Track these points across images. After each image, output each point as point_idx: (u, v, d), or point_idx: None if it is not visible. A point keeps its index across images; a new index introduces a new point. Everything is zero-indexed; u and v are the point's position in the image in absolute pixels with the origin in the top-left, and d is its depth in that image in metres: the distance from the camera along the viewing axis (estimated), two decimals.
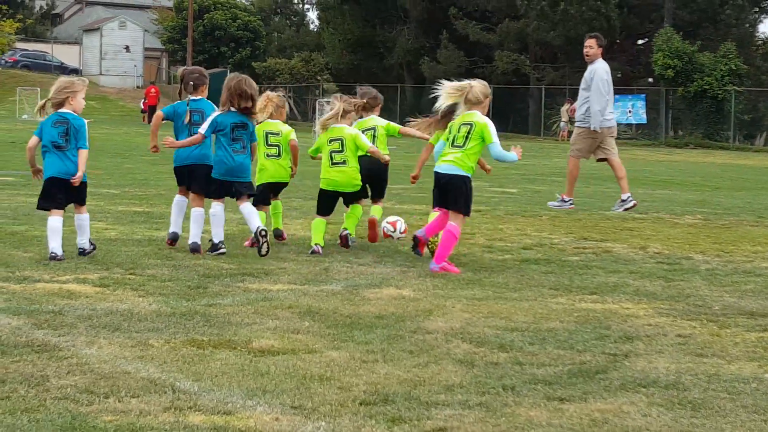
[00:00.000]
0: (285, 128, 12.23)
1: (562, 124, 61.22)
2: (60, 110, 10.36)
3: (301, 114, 73.64)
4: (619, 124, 66.62)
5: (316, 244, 11.23)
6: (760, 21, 74.41)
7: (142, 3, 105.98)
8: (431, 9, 72.43)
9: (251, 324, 7.41)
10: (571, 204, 17.06)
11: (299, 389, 5.74)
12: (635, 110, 60.56)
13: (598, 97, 16.68)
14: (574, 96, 66.07)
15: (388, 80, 71.00)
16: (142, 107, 66.54)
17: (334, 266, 10.26)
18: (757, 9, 70.23)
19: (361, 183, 11.74)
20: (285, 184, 12.17)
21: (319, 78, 76.51)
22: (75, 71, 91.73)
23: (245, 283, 9.13)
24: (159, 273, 9.46)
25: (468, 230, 13.54)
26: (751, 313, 8.40)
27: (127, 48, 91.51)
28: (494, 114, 60.34)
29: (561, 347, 6.98)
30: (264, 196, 11.88)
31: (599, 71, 16.75)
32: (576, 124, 17.33)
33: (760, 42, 71.98)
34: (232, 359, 6.36)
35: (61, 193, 10.30)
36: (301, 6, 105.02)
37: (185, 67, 13.38)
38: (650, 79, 68.17)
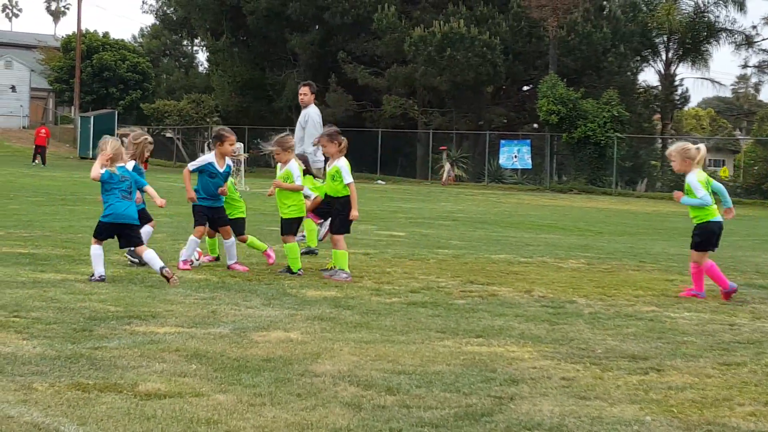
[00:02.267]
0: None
1: (446, 168, 62.00)
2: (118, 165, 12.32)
3: (190, 155, 73.14)
4: (504, 169, 67.73)
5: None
6: (641, 69, 76.32)
7: (28, 42, 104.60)
8: (320, 53, 72.78)
9: (137, 367, 7.34)
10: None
11: None
12: (521, 155, 61.50)
13: (314, 135, 17.48)
14: (460, 141, 66.46)
15: (277, 123, 71.02)
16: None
17: (221, 309, 10.21)
18: (638, 58, 72.03)
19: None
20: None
21: (208, 120, 76.19)
22: None
23: (132, 326, 9.04)
24: (44, 315, 9.31)
25: (356, 273, 13.60)
26: (633, 356, 8.57)
27: (12, 88, 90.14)
28: (382, 158, 60.93)
29: (447, 390, 7.04)
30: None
31: (312, 115, 18.06)
32: None
33: (641, 90, 73.77)
34: (118, 403, 6.29)
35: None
36: (190, 48, 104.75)
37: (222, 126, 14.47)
38: (535, 125, 69.37)
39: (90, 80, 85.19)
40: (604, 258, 17.72)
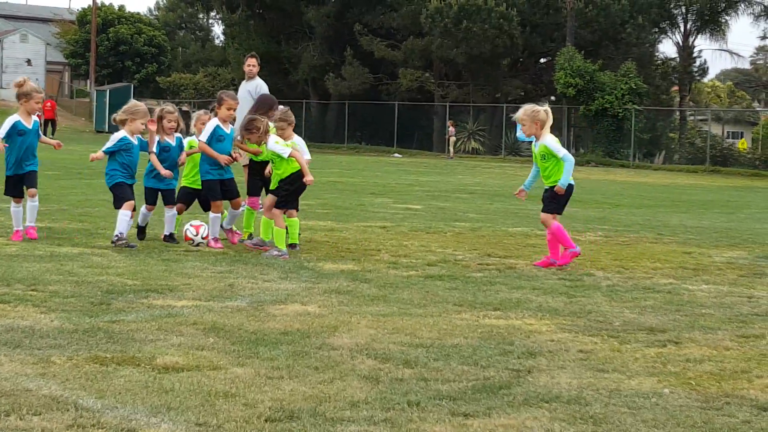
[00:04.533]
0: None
1: (451, 147, 62.23)
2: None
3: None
4: (521, 142, 67.86)
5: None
6: (659, 41, 75.87)
7: (43, 16, 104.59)
8: (336, 26, 72.55)
9: (155, 340, 7.35)
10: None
11: (204, 406, 5.71)
12: None
13: None
14: (476, 114, 66.29)
15: (293, 96, 70.98)
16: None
17: (239, 282, 10.22)
18: (656, 29, 71.57)
19: None
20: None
21: None
22: None
23: (149, 299, 9.06)
24: (61, 289, 9.34)
25: (373, 246, 13.59)
26: (651, 328, 8.55)
27: (28, 62, 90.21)
28: (398, 131, 60.95)
29: (465, 363, 7.03)
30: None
31: (263, 86, 18.27)
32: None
33: (659, 62, 73.35)
34: (136, 376, 6.31)
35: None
36: (206, 21, 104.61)
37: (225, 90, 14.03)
38: (552, 98, 69.05)
39: (106, 54, 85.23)
40: (621, 230, 17.68)
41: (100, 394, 5.87)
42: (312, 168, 13.30)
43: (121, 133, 12.76)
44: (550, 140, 12.47)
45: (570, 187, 12.59)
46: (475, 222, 18.29)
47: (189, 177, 13.58)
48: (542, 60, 72.94)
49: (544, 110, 12.47)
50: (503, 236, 15.88)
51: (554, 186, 12.49)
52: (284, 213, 12.64)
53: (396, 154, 60.54)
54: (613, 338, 8.11)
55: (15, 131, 12.88)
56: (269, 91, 18.34)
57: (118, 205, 12.54)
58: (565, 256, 12.40)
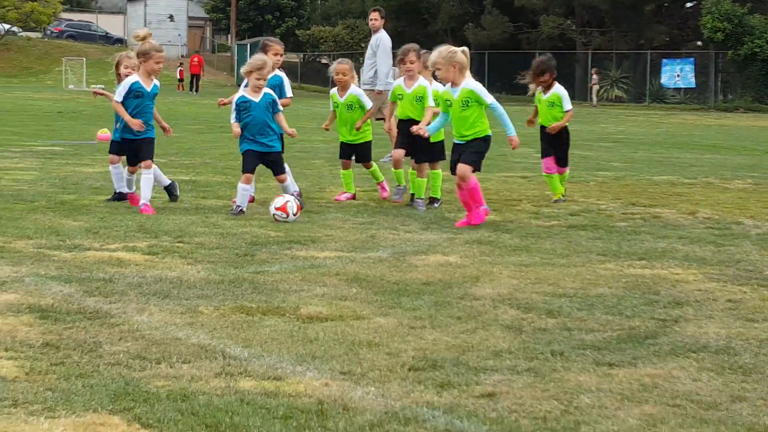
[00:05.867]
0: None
1: (594, 95, 61.48)
2: None
3: None
4: (667, 89, 66.29)
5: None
6: None
7: None
8: None
9: (299, 291, 7.43)
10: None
11: (348, 355, 5.75)
12: (684, 74, 60.04)
13: (385, 60, 18.30)
14: (620, 61, 65.08)
15: (433, 46, 70.28)
16: (179, 76, 67.16)
17: (380, 233, 10.25)
18: None
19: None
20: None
21: (363, 45, 76.33)
22: (119, 41, 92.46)
23: (292, 251, 9.15)
24: (207, 241, 9.49)
25: (515, 196, 13.50)
26: None
27: (171, 17, 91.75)
28: None
29: (609, 313, 6.94)
30: None
31: (384, 39, 18.45)
32: (363, 86, 17.03)
33: None
34: (281, 326, 6.38)
35: None
36: None
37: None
38: (699, 43, 67.54)
39: (246, 8, 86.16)
40: None
41: (246, 343, 5.96)
42: None
43: (240, 91, 11.56)
44: (475, 84, 10.98)
45: (488, 138, 11.08)
46: (619, 171, 18.02)
47: (346, 134, 13.01)
48: (688, 4, 71.35)
49: (461, 51, 11.07)
50: (648, 185, 15.62)
51: (475, 138, 10.94)
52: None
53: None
54: (764, 287, 7.91)
55: (131, 93, 11.68)
56: (400, 41, 18.19)
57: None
58: (479, 214, 10.95)
